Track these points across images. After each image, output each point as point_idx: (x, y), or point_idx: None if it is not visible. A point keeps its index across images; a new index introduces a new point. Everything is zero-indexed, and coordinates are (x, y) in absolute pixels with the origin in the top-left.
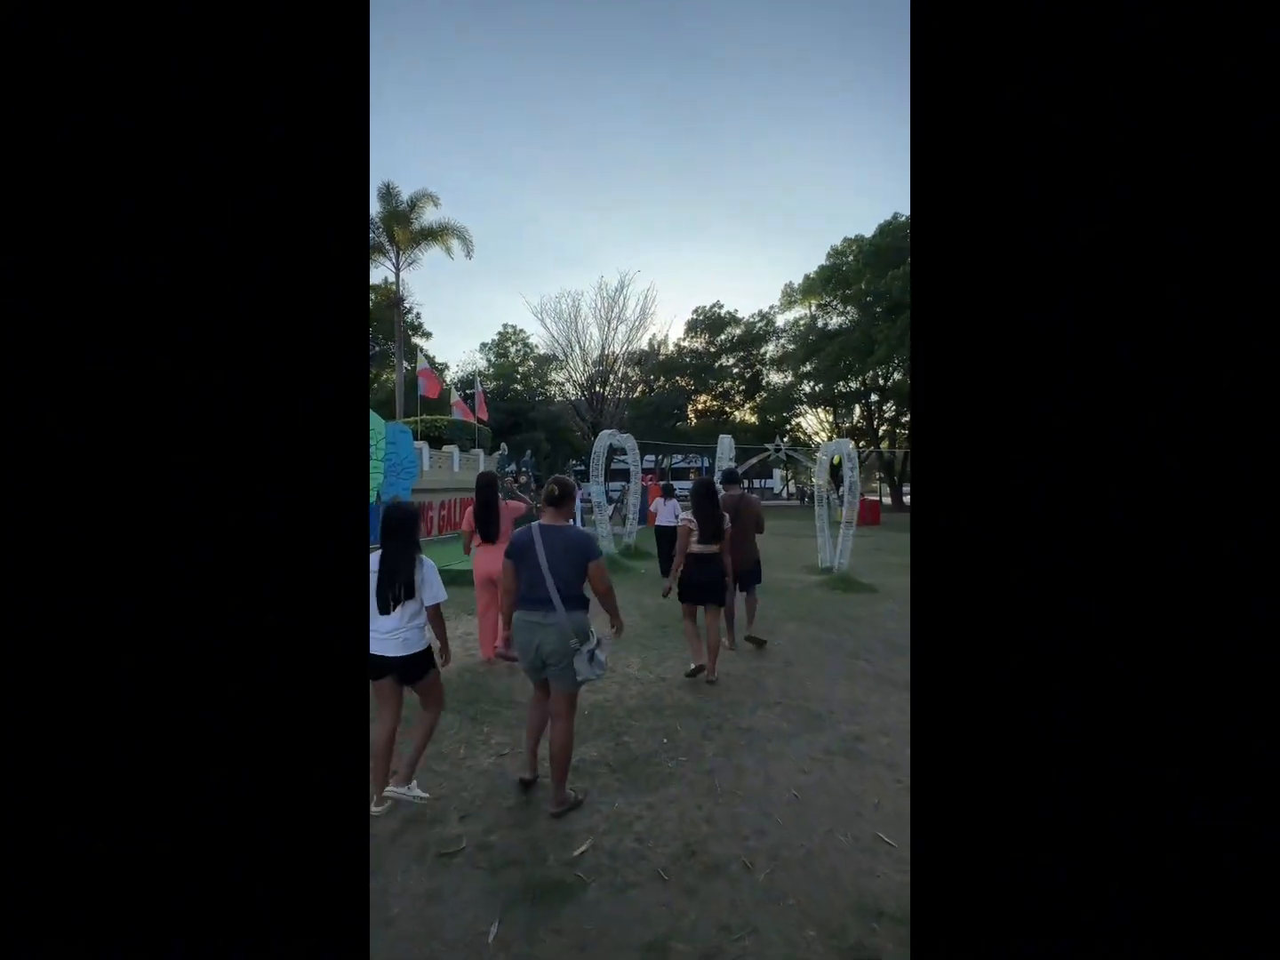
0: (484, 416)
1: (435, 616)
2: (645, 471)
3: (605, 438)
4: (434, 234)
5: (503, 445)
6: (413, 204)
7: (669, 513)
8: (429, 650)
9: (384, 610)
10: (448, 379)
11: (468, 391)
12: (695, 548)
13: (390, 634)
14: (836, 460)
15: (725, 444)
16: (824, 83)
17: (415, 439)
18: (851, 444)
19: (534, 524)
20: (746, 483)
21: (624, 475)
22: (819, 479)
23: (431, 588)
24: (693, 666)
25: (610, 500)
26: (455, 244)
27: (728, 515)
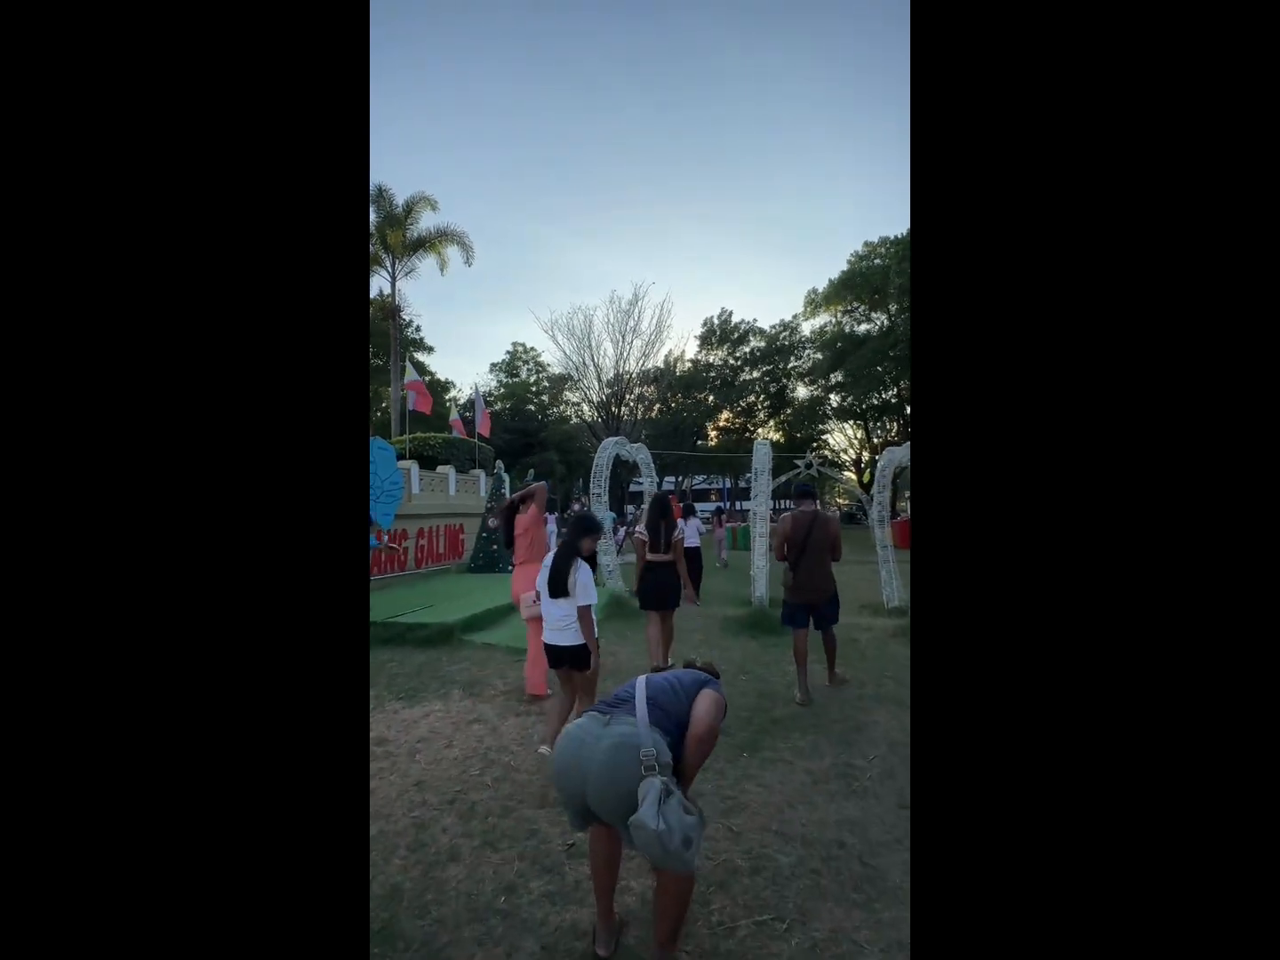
0: (485, 433)
1: (582, 617)
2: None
3: (610, 446)
4: (432, 241)
5: (498, 464)
6: (408, 208)
7: (691, 532)
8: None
9: (552, 595)
10: (455, 401)
11: (466, 414)
12: (650, 557)
13: (562, 627)
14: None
15: (762, 452)
16: (833, 94)
17: (404, 457)
18: None
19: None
20: (774, 503)
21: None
22: (880, 494)
23: (582, 590)
24: (654, 665)
25: (624, 522)
26: (455, 253)
27: (681, 527)
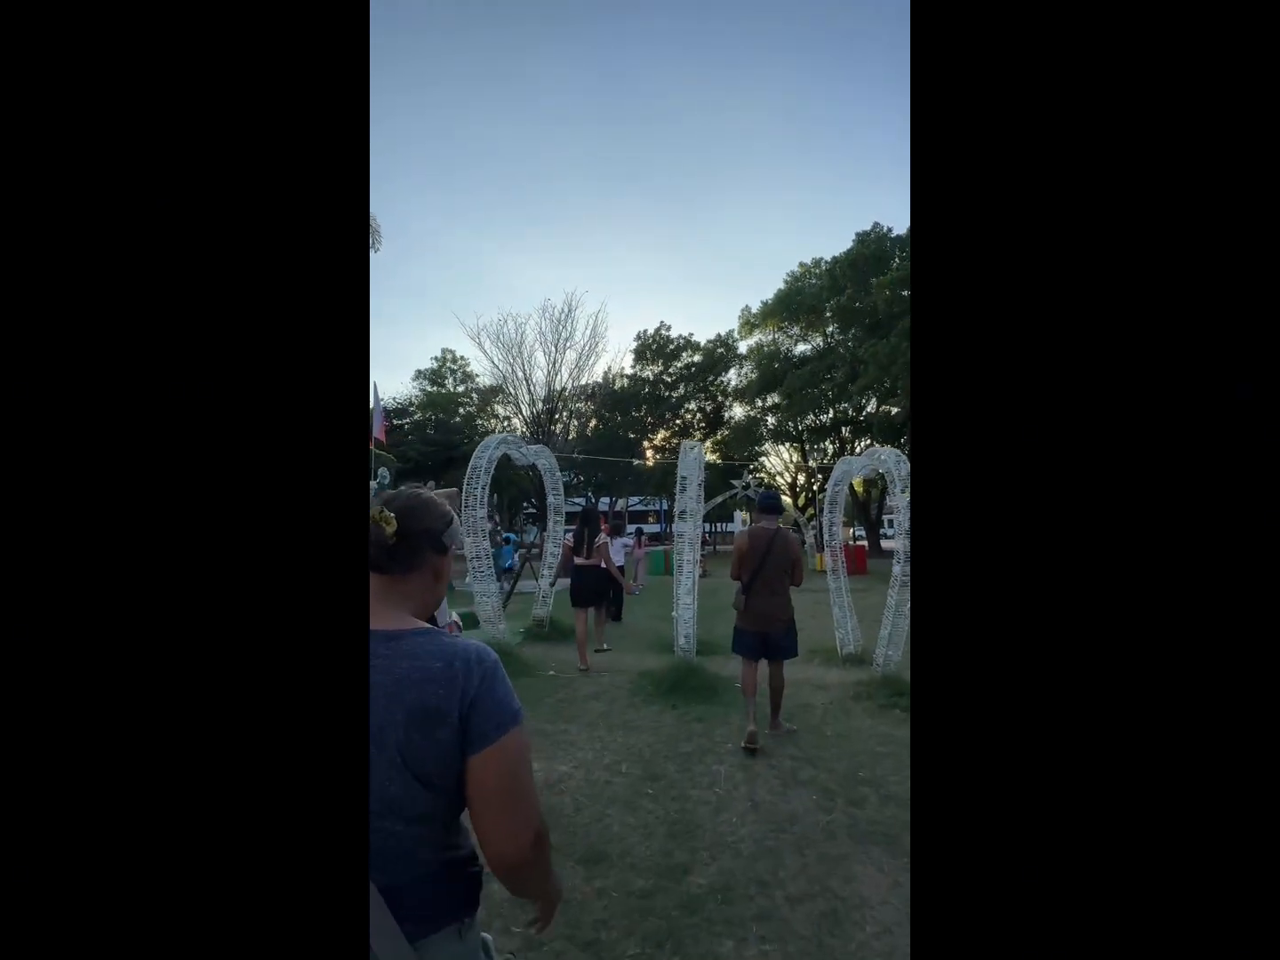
0: (383, 438)
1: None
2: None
3: (494, 445)
4: None
5: (382, 472)
6: None
7: (617, 551)
8: None
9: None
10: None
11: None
12: (578, 560)
13: None
14: (859, 484)
15: (692, 457)
16: (772, 118)
17: None
18: (895, 452)
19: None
20: (708, 525)
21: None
22: (830, 512)
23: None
24: (581, 667)
25: (507, 545)
26: None
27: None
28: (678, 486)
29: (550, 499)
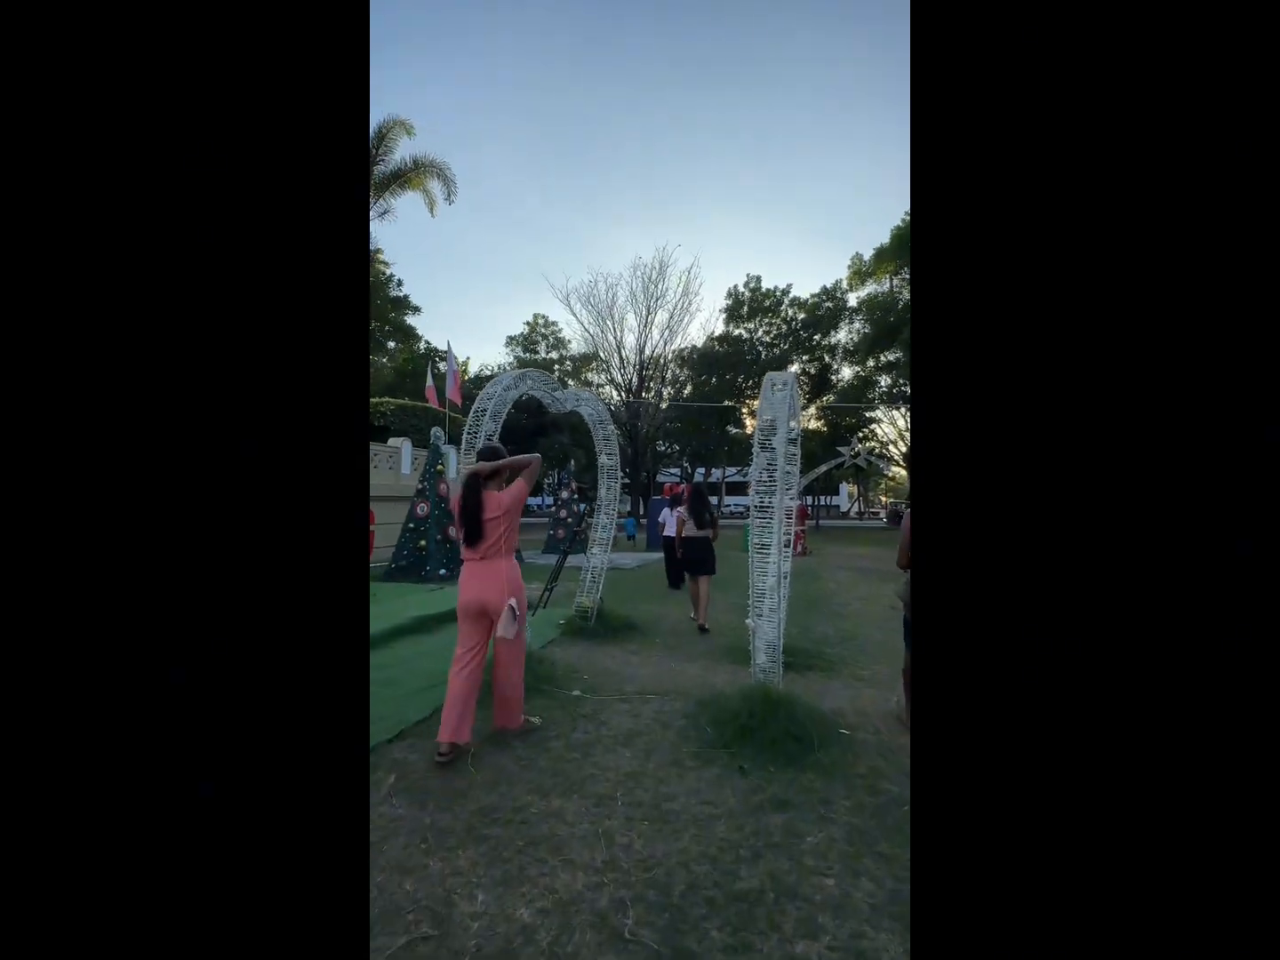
0: (457, 400)
1: None
2: (681, 482)
3: (504, 384)
4: (408, 175)
5: (435, 431)
6: (381, 136)
7: (675, 521)
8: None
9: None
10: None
11: (439, 370)
12: (689, 532)
13: None
14: None
15: (780, 396)
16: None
17: None
18: None
19: None
20: (810, 498)
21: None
22: None
23: None
24: (693, 617)
25: (565, 520)
26: (437, 188)
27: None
28: (756, 438)
29: (602, 459)
